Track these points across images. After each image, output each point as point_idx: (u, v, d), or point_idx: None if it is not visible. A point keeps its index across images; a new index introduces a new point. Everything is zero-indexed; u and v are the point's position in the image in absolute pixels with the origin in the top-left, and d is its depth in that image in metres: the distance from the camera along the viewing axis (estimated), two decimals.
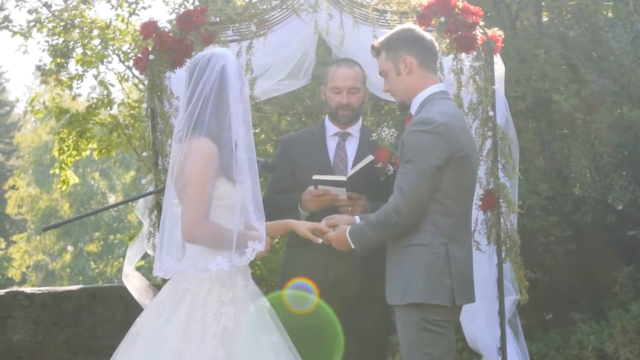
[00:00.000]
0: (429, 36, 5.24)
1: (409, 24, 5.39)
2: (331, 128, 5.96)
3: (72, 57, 13.86)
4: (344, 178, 5.55)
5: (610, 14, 10.91)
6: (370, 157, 5.52)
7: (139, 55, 6.00)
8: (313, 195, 5.61)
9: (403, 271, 4.94)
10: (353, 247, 5.03)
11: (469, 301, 5.13)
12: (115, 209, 35.76)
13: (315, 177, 5.54)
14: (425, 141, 4.87)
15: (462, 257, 5.03)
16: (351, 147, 5.90)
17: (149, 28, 5.94)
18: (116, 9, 13.89)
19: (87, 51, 13.71)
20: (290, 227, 5.10)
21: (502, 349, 5.96)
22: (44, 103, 14.53)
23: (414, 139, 4.90)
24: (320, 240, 5.05)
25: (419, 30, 5.22)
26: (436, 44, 5.30)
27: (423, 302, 4.88)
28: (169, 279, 4.58)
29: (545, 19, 11.50)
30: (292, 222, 5.12)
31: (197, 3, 12.50)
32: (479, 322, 6.04)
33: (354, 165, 5.79)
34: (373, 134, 5.64)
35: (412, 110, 5.13)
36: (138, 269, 6.42)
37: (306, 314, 5.62)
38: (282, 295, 5.70)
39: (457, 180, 4.98)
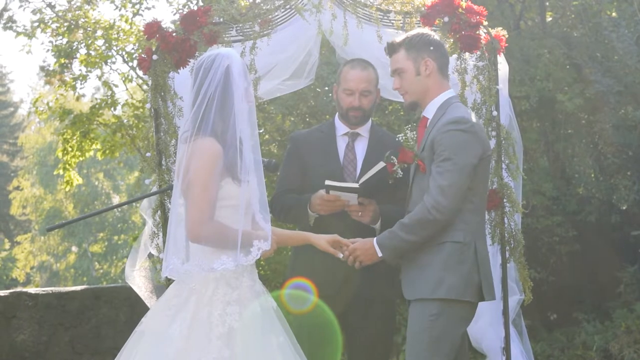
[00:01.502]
0: (443, 43, 5.33)
1: (426, 29, 5.45)
2: (341, 128, 5.95)
3: (76, 58, 13.86)
4: (356, 185, 5.54)
5: (614, 14, 10.91)
6: (381, 164, 5.51)
7: (142, 55, 6.00)
8: (324, 199, 5.60)
9: (434, 267, 5.01)
10: (381, 254, 5.07)
11: (493, 298, 5.24)
12: (119, 209, 35.78)
13: (327, 182, 5.53)
14: (463, 139, 4.99)
15: (486, 254, 5.18)
16: (360, 148, 5.90)
17: (153, 28, 5.94)
18: (120, 10, 13.88)
19: (90, 52, 13.70)
20: (309, 240, 5.08)
21: (506, 349, 5.95)
22: (47, 104, 14.53)
23: (451, 138, 4.99)
24: (341, 255, 5.07)
25: (437, 36, 5.35)
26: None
27: (456, 298, 4.97)
28: (174, 279, 4.58)
29: (549, 18, 11.50)
30: (310, 235, 5.10)
31: (200, 3, 12.51)
32: (483, 322, 6.03)
33: (363, 168, 5.79)
34: (399, 135, 5.62)
35: (428, 114, 5.21)
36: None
37: (305, 313, 5.61)
38: (280, 295, 5.69)
39: (483, 179, 5.16)
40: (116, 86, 14.20)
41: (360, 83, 5.81)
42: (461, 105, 5.23)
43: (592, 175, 10.64)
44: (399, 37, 5.34)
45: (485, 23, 5.89)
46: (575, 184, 10.58)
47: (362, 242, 5.12)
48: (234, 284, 4.45)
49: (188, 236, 4.43)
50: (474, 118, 5.14)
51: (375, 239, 5.12)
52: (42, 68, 15.04)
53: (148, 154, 6.07)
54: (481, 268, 5.04)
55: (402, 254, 5.12)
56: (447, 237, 5.01)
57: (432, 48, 5.20)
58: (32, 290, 8.57)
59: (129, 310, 8.83)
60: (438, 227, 4.97)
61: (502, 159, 5.90)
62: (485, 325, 6.04)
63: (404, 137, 5.53)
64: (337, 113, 6.05)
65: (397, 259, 5.14)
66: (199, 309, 4.37)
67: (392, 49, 5.27)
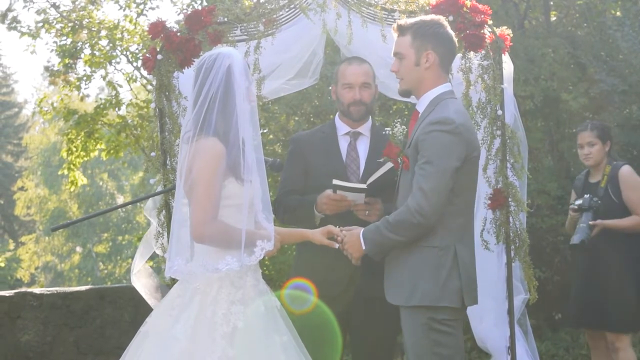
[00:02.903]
0: (454, 37, 5.23)
1: (441, 17, 5.27)
2: (342, 127, 5.94)
3: (80, 58, 13.90)
4: (364, 186, 5.52)
5: (618, 13, 10.91)
6: (390, 165, 5.47)
7: (147, 55, 6.00)
8: (330, 199, 5.59)
9: (410, 272, 4.94)
10: (364, 248, 5.00)
11: (474, 302, 5.12)
12: (123, 210, 35.85)
13: (335, 182, 5.51)
14: (446, 141, 4.87)
15: (469, 259, 5.04)
16: (362, 147, 5.88)
17: (157, 28, 5.94)
18: (124, 10, 13.92)
19: (95, 52, 13.75)
20: (305, 237, 5.04)
21: (512, 349, 5.95)
22: (52, 104, 14.56)
23: (434, 139, 4.89)
24: (337, 245, 5.02)
25: (449, 28, 5.19)
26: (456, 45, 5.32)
27: (432, 304, 4.87)
28: (178, 279, 4.58)
29: (553, 18, 11.51)
30: (306, 232, 5.06)
31: (205, 3, 12.51)
32: (488, 322, 6.02)
33: (366, 166, 5.78)
34: (387, 128, 5.60)
35: (420, 108, 5.11)
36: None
37: (304, 314, 5.59)
38: (280, 295, 5.66)
39: (467, 181, 5.01)
40: (120, 86, 14.24)
41: (359, 77, 5.81)
42: (452, 101, 5.08)
43: None
44: (411, 19, 5.23)
45: (490, 22, 5.89)
46: None
47: (351, 233, 5.05)
48: (237, 284, 4.44)
49: (192, 236, 4.42)
50: (462, 117, 5.01)
51: (362, 231, 5.03)
52: (46, 68, 15.10)
53: (153, 154, 6.07)
54: (462, 273, 4.92)
55: (385, 250, 5.02)
56: (423, 242, 4.91)
57: (438, 41, 5.07)
58: (36, 290, 8.56)
59: (133, 310, 8.83)
60: (422, 230, 4.87)
61: (507, 158, 5.89)
62: (491, 325, 6.03)
63: (390, 132, 5.50)
64: (337, 113, 6.04)
65: (380, 254, 5.07)
66: (203, 308, 4.37)
67: (400, 30, 5.15)
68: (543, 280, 9.21)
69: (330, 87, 6.10)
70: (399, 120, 5.55)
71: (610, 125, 8.23)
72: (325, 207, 5.60)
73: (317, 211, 5.67)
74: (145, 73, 12.24)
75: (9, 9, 14.97)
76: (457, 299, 4.91)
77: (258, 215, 4.53)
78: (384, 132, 5.64)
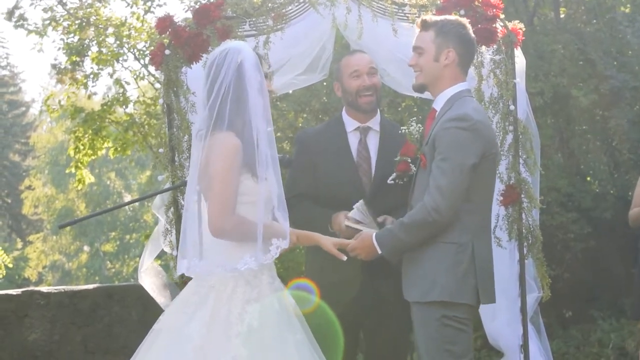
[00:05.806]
0: (475, 41, 5.25)
1: (466, 22, 5.25)
2: (350, 123, 5.83)
3: (88, 56, 13.85)
4: (375, 228, 5.41)
5: (628, 9, 10.87)
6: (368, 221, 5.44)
7: (155, 50, 5.96)
8: (342, 229, 5.49)
9: (428, 268, 4.92)
10: (380, 252, 4.98)
11: (491, 301, 5.09)
12: (131, 208, 35.88)
13: (346, 223, 5.41)
14: (463, 138, 4.86)
15: (486, 256, 5.03)
16: (373, 143, 5.77)
17: (165, 23, 5.91)
18: (131, 7, 13.88)
19: (102, 49, 13.69)
20: (316, 241, 4.96)
21: (525, 347, 5.91)
22: (59, 102, 14.53)
23: (451, 136, 4.88)
24: (345, 258, 4.97)
25: (471, 31, 5.21)
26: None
27: (449, 300, 4.86)
28: (189, 277, 4.54)
29: (562, 14, 11.46)
30: (318, 236, 4.98)
31: None
32: (500, 320, 5.99)
33: (377, 164, 5.68)
34: (402, 127, 5.55)
35: (437, 106, 5.11)
36: None
37: (306, 314, 5.53)
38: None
39: (485, 178, 5.00)
40: (128, 84, 14.20)
41: (366, 63, 5.75)
42: (470, 100, 5.10)
43: (607, 171, 10.59)
44: (435, 17, 5.25)
45: (502, 16, 5.84)
46: (591, 180, 10.53)
47: (361, 239, 5.04)
48: (253, 283, 4.42)
49: (211, 230, 4.38)
50: (480, 114, 5.03)
51: (374, 235, 5.02)
52: (53, 66, 15.04)
53: (161, 150, 6.03)
54: (478, 270, 4.92)
55: (402, 252, 5.03)
56: (441, 237, 4.90)
57: (460, 41, 5.08)
58: (44, 289, 8.53)
59: (141, 308, 8.78)
60: (438, 228, 4.87)
61: (520, 153, 5.84)
62: (503, 323, 6.00)
63: (407, 130, 5.47)
64: (343, 109, 5.94)
65: (396, 256, 5.05)
66: (218, 307, 4.34)
67: (423, 25, 5.16)
68: (553, 278, 9.10)
69: (334, 85, 6.00)
70: (414, 119, 5.51)
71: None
72: (337, 232, 5.50)
73: (331, 228, 5.56)
74: (152, 70, 12.22)
75: (16, 7, 14.91)
76: (473, 296, 4.91)
77: (274, 213, 4.49)
78: (400, 131, 5.58)
